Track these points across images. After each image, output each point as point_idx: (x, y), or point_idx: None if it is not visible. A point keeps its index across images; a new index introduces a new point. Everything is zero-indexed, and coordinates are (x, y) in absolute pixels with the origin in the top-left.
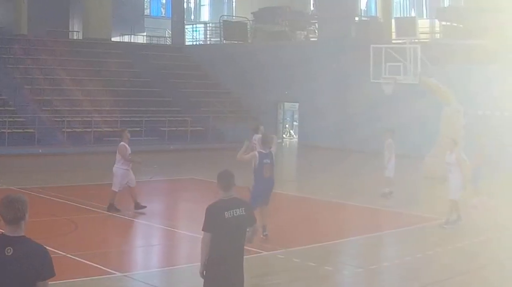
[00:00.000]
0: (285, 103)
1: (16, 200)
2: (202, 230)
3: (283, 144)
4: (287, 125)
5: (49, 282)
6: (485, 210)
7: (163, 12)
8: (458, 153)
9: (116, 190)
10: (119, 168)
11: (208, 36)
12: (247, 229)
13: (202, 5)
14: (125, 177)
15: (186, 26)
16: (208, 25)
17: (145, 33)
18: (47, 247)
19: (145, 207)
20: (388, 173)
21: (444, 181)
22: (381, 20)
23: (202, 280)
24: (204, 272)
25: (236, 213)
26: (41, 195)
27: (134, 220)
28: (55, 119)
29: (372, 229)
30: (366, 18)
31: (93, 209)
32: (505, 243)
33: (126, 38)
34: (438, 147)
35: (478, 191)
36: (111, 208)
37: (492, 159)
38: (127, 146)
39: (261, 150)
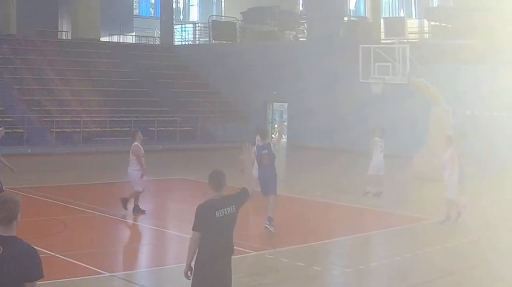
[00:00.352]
0: (274, 103)
1: (9, 200)
2: (192, 229)
3: (272, 144)
4: (276, 125)
5: (38, 283)
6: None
7: (152, 12)
8: (454, 151)
9: (140, 190)
10: (133, 169)
11: (197, 36)
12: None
13: (191, 5)
14: (139, 176)
15: (175, 26)
16: (197, 25)
17: (134, 33)
18: (36, 247)
19: (143, 212)
20: (369, 171)
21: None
22: (370, 20)
23: (190, 280)
24: (189, 272)
25: (227, 212)
26: (30, 195)
27: (123, 220)
28: (44, 119)
29: (361, 229)
30: (355, 18)
31: (82, 209)
32: (494, 243)
33: (115, 38)
34: (427, 146)
35: (464, 190)
36: (137, 209)
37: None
38: (140, 146)
39: (260, 143)
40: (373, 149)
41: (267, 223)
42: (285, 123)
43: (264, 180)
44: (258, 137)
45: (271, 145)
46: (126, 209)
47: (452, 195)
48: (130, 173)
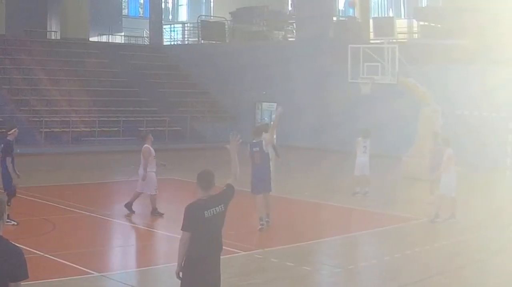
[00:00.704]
0: (263, 103)
1: None
2: (181, 230)
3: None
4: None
5: (25, 283)
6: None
7: (141, 12)
8: (450, 151)
9: (155, 193)
10: (147, 172)
11: (186, 36)
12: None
13: (180, 5)
14: (154, 178)
15: (164, 26)
16: (186, 25)
17: (123, 33)
18: (25, 247)
19: (133, 212)
20: (355, 172)
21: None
22: (359, 20)
23: (179, 280)
24: (180, 273)
25: (216, 211)
26: (19, 195)
27: (112, 220)
28: (33, 119)
29: (350, 229)
30: (344, 18)
31: (71, 209)
32: (484, 243)
33: (104, 38)
34: (416, 146)
35: (435, 188)
36: (155, 211)
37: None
38: (151, 148)
39: (253, 141)
40: (357, 149)
41: (267, 219)
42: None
43: (263, 177)
44: (264, 136)
45: (263, 143)
46: (156, 213)
47: (449, 193)
48: (142, 176)
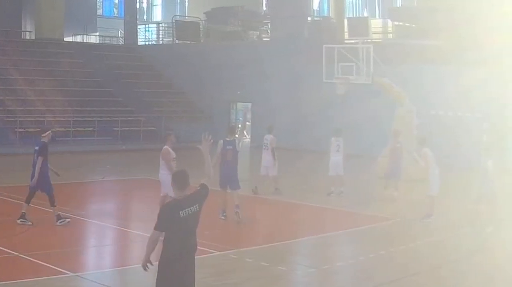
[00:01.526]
0: (238, 103)
1: None
2: (154, 229)
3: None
4: (239, 125)
5: (1, 283)
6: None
7: (116, 12)
8: (426, 150)
9: (172, 194)
10: (164, 174)
11: (160, 36)
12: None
13: (155, 5)
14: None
15: (139, 26)
16: (160, 25)
17: (97, 33)
18: (0, 247)
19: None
20: (329, 172)
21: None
22: (333, 20)
23: (154, 280)
24: (148, 264)
25: (191, 211)
26: None
27: (87, 220)
28: (7, 119)
29: (325, 229)
30: (318, 18)
31: (46, 209)
32: (458, 243)
33: (78, 38)
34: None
35: (398, 185)
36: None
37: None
38: (170, 150)
39: (226, 139)
40: (330, 149)
41: (237, 210)
42: (248, 123)
43: (231, 173)
44: (267, 136)
45: (236, 141)
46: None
47: (433, 191)
48: (162, 178)
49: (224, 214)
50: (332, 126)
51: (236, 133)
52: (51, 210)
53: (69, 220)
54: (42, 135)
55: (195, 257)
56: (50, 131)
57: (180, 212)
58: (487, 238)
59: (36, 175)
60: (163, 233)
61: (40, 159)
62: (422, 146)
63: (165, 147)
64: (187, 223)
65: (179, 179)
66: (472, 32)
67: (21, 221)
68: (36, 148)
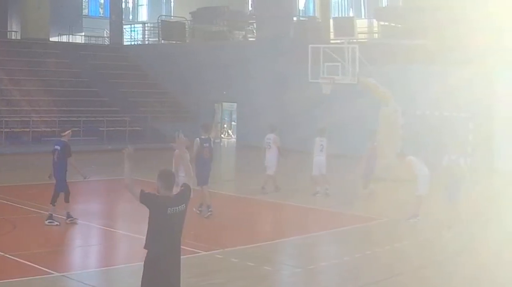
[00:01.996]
0: (224, 103)
1: None
2: (139, 197)
3: (221, 144)
4: (225, 125)
5: None
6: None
7: (101, 12)
8: (411, 158)
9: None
10: (182, 177)
11: (146, 36)
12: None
13: (140, 5)
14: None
15: (124, 26)
16: (146, 25)
17: (83, 33)
18: None
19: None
20: (313, 171)
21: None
22: (319, 20)
23: (139, 279)
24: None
25: (178, 210)
26: None
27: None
28: None
29: (310, 229)
30: (304, 18)
31: (31, 209)
32: (443, 244)
33: (64, 38)
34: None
35: (369, 183)
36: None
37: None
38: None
39: (202, 136)
40: (315, 148)
41: (202, 209)
42: (234, 123)
43: (207, 169)
44: (269, 136)
45: (211, 139)
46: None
47: (421, 191)
48: (180, 180)
49: (201, 209)
50: (317, 126)
51: (211, 132)
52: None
53: (57, 223)
54: (62, 134)
55: (181, 257)
56: (70, 131)
57: (168, 209)
58: (472, 238)
59: (80, 171)
60: (139, 194)
61: (71, 159)
62: (403, 157)
63: (176, 151)
64: (173, 221)
65: (166, 178)
66: (458, 32)
67: (48, 222)
68: (58, 147)
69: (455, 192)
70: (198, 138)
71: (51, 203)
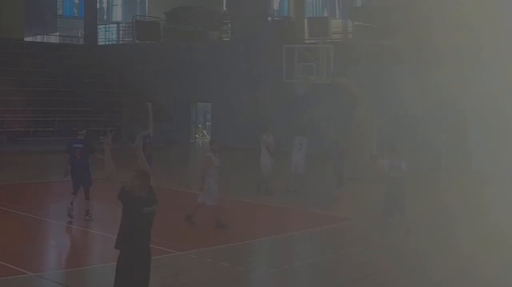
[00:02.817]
0: (198, 103)
1: None
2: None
3: (196, 144)
4: (199, 126)
5: None
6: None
7: (76, 12)
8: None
9: (216, 204)
10: (208, 182)
11: (121, 36)
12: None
13: (115, 5)
14: (215, 188)
15: (99, 26)
16: (120, 25)
17: (58, 33)
18: None
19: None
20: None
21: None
22: (293, 20)
23: (112, 279)
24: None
25: (151, 210)
26: None
27: (47, 220)
28: None
29: (285, 229)
30: (278, 18)
31: (5, 209)
32: (416, 244)
33: (39, 38)
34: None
35: (342, 183)
36: (219, 224)
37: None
38: (213, 157)
39: (143, 133)
40: (294, 147)
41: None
42: (208, 123)
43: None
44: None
45: (151, 135)
46: (220, 226)
47: None
48: (204, 185)
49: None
50: (293, 126)
51: (150, 128)
52: (85, 203)
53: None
54: (79, 132)
55: (156, 257)
56: (85, 130)
57: (144, 208)
58: (445, 238)
59: (111, 164)
60: (119, 190)
61: (94, 155)
62: (375, 160)
63: (208, 154)
64: (146, 221)
65: (141, 179)
66: (432, 32)
67: (88, 217)
68: (80, 145)
69: (395, 199)
70: (139, 135)
71: (86, 199)
